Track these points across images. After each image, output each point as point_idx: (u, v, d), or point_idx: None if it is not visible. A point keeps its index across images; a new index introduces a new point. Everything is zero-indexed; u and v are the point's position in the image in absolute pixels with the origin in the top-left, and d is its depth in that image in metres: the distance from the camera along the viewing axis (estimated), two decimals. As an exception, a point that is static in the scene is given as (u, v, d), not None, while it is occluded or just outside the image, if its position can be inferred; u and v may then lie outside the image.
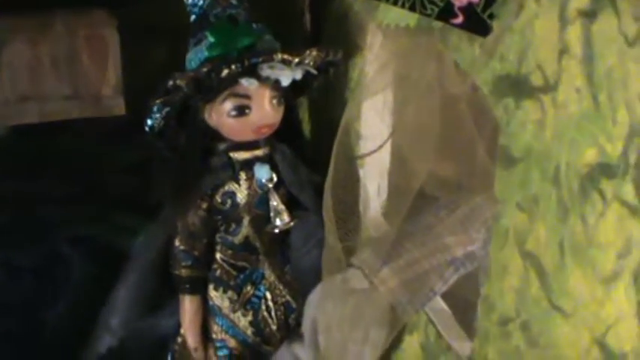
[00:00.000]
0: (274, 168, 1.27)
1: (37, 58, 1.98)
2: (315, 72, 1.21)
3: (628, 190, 0.73)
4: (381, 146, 1.25)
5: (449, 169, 1.16)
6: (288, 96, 1.26)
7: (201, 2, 1.24)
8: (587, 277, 0.80)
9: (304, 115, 1.47)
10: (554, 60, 0.82)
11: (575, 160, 0.80)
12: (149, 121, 1.23)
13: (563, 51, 0.80)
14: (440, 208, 1.17)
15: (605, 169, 0.76)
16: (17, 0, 1.90)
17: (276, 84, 1.20)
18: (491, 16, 0.92)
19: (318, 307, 1.22)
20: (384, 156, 1.30)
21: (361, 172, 1.31)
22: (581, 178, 0.79)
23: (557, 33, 0.81)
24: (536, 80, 0.85)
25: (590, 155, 0.78)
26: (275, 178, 1.26)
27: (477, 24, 0.93)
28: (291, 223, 1.27)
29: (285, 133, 1.28)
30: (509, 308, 0.96)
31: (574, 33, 0.79)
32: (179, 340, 1.31)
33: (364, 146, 1.32)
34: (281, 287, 1.31)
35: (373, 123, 1.29)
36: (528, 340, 0.92)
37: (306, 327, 1.24)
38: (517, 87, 0.89)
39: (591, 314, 0.80)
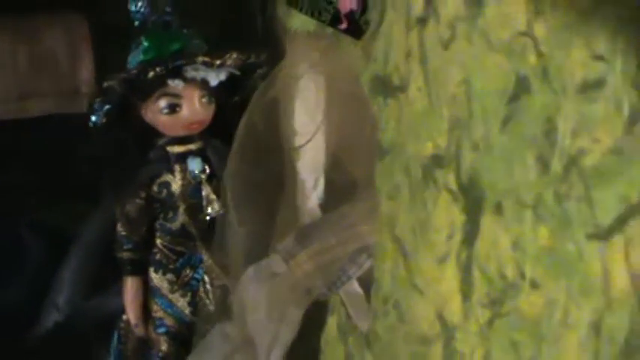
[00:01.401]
0: (207, 161, 1.37)
1: (14, 58, 2.11)
2: (238, 73, 1.31)
3: (451, 179, 0.83)
4: (307, 142, 1.34)
5: (361, 162, 1.25)
6: (220, 95, 1.36)
7: (142, 9, 1.35)
8: (429, 258, 0.90)
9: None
10: (404, 62, 0.92)
11: (419, 152, 0.90)
12: (93, 117, 1.34)
13: (409, 54, 0.90)
14: (356, 197, 1.26)
15: (437, 160, 0.86)
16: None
17: (204, 84, 1.30)
18: (366, 22, 1.01)
19: (243, 289, 1.32)
20: (319, 149, 1.40)
21: (297, 165, 1.41)
22: (423, 168, 0.89)
23: (405, 37, 0.91)
24: (396, 80, 0.95)
25: (428, 148, 0.87)
26: (207, 170, 1.36)
27: (355, 29, 1.03)
28: (222, 211, 1.37)
29: (219, 128, 1.38)
30: (387, 288, 1.05)
31: (414, 38, 0.88)
32: (124, 317, 1.42)
33: (297, 140, 1.41)
34: (217, 270, 1.41)
35: (303, 119, 1.39)
36: (399, 316, 1.01)
37: (235, 307, 1.34)
38: (384, 86, 0.99)
39: (434, 291, 0.90)
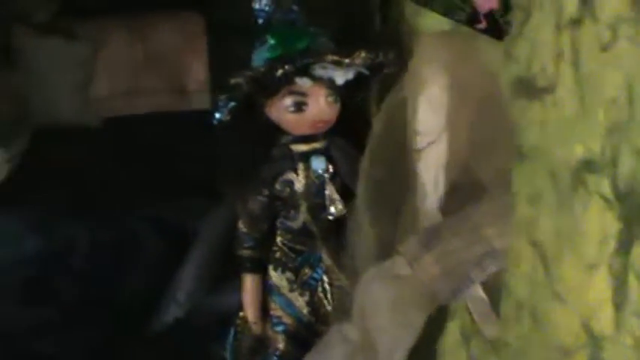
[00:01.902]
0: (331, 160, 1.37)
1: (131, 55, 2.14)
2: (366, 72, 1.30)
3: (605, 185, 0.80)
4: (432, 142, 1.32)
5: (491, 164, 1.23)
6: (345, 93, 1.35)
7: (266, 8, 1.35)
8: (575, 265, 0.87)
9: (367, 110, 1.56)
10: (552, 63, 0.89)
11: (567, 156, 0.87)
12: (217, 115, 1.35)
13: (559, 55, 0.87)
14: (482, 200, 1.24)
15: (589, 165, 0.83)
16: (114, 2, 2.07)
17: (331, 82, 1.30)
18: (508, 23, 0.99)
19: (365, 290, 1.31)
20: (441, 151, 1.38)
21: (418, 166, 1.39)
22: (571, 172, 0.86)
23: (554, 39, 0.88)
24: (541, 82, 0.92)
25: (578, 152, 0.85)
26: (331, 169, 1.36)
27: (496, 29, 1.01)
28: (345, 212, 1.36)
29: (344, 127, 1.37)
30: (521, 294, 1.03)
31: (566, 39, 0.86)
32: (241, 314, 1.43)
33: (420, 141, 1.40)
34: (337, 270, 1.41)
35: (426, 121, 1.37)
36: (535, 324, 0.99)
37: (354, 308, 1.33)
38: (527, 88, 0.96)
39: (580, 300, 0.87)
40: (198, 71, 2.09)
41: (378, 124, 1.20)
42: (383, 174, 1.21)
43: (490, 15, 1.01)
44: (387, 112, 1.20)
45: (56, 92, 2.10)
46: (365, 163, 1.21)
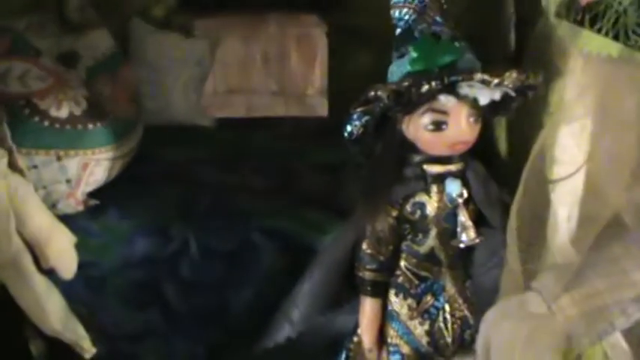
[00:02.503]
0: (465, 184, 1.28)
1: (248, 55, 2.09)
2: (513, 94, 1.22)
3: None
4: (574, 173, 1.24)
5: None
6: (485, 114, 1.27)
7: (407, 17, 1.28)
8: None
9: (500, 134, 1.47)
10: None
11: None
12: (348, 127, 1.27)
13: None
14: (630, 239, 1.15)
15: None
16: (233, 1, 2.02)
17: (474, 102, 1.22)
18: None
19: (493, 326, 1.23)
20: (578, 182, 1.29)
21: (552, 197, 1.31)
22: None
23: None
24: None
25: None
26: (465, 194, 1.28)
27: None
28: (477, 240, 1.28)
29: (480, 150, 1.29)
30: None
31: None
32: (355, 339, 1.36)
33: (558, 171, 1.31)
34: (460, 301, 1.33)
35: (569, 149, 1.28)
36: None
37: (479, 344, 1.25)
38: None
39: None
40: (316, 76, 2.03)
41: (533, 152, 1.12)
42: (535, 205, 1.13)
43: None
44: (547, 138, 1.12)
45: (170, 89, 2.06)
46: (519, 194, 1.12)
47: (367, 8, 1.65)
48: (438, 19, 1.27)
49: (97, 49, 1.86)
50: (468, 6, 1.49)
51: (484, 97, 1.21)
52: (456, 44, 1.25)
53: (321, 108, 2.06)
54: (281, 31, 2.12)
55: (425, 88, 1.18)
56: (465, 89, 1.19)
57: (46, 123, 1.66)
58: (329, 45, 1.97)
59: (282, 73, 2.09)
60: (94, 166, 1.74)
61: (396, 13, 1.30)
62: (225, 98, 2.15)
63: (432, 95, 1.20)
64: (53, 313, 1.51)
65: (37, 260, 1.53)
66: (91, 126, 1.72)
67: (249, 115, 2.07)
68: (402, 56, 1.26)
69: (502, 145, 1.48)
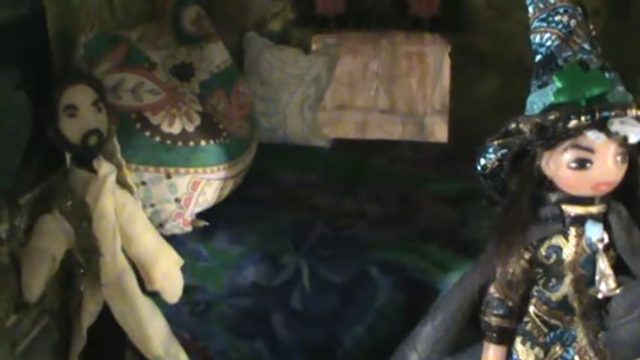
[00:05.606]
0: (607, 228, 1.17)
1: (362, 72, 2.00)
2: (667, 131, 1.10)
3: None
4: None
5: None
6: (632, 154, 1.15)
7: (549, 43, 1.17)
8: None
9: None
10: None
11: None
12: (482, 161, 1.19)
13: None
14: None
15: None
16: (354, 15, 1.95)
17: (623, 140, 1.11)
18: None
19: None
20: None
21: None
22: None
23: None
24: None
25: None
26: (606, 239, 1.16)
27: None
28: (617, 290, 1.17)
29: (623, 192, 1.18)
30: None
31: None
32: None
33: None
34: (592, 354, 1.22)
35: None
36: None
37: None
38: None
39: None
40: (436, 97, 1.93)
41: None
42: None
43: None
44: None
45: (285, 107, 1.99)
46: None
47: (493, 31, 1.55)
48: (585, 46, 1.16)
49: (212, 63, 1.80)
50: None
51: (635, 135, 1.10)
52: (606, 75, 1.14)
53: (440, 132, 1.95)
54: (400, 49, 2.03)
55: (573, 122, 1.07)
56: (616, 126, 1.08)
57: (158, 139, 1.60)
58: (452, 67, 1.87)
59: (402, 95, 2.00)
60: (204, 186, 1.68)
61: (537, 39, 1.19)
62: (340, 118, 2.07)
63: (579, 131, 1.09)
64: (155, 336, 1.47)
65: (141, 281, 1.49)
66: (203, 143, 1.66)
67: (365, 137, 1.98)
68: (543, 85, 1.16)
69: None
